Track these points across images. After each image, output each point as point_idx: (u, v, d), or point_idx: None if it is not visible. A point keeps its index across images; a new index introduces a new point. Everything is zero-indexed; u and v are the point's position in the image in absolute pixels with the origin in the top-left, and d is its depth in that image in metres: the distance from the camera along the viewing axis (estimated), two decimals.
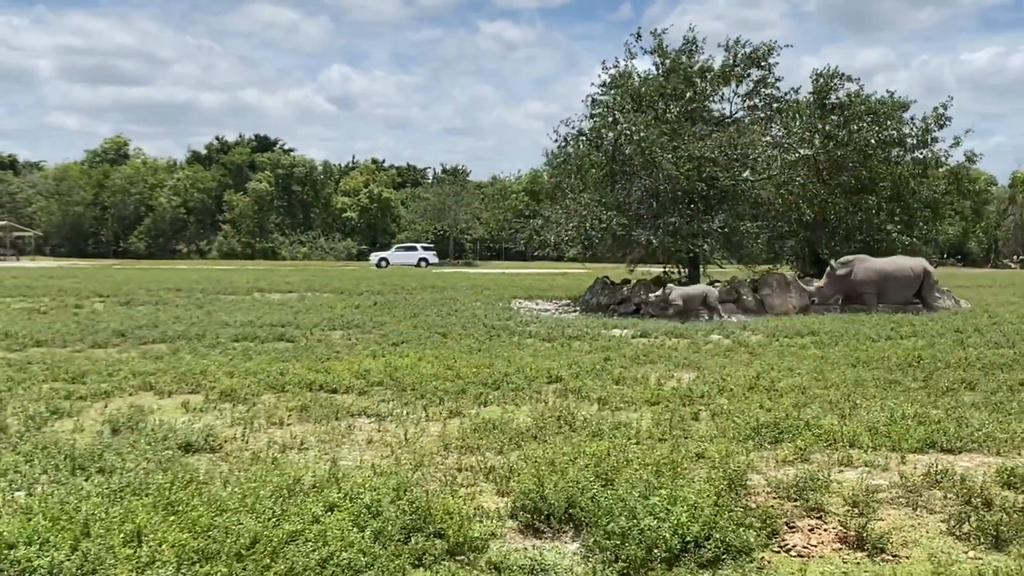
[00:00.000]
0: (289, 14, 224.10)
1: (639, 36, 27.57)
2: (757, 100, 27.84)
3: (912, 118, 28.47)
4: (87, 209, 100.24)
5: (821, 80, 28.84)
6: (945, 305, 27.28)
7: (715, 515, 6.08)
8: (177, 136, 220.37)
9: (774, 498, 6.89)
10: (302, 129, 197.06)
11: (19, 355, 14.14)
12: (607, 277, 28.45)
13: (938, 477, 7.29)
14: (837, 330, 18.63)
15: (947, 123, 28.18)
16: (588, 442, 7.93)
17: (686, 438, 8.51)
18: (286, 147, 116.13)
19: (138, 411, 9.36)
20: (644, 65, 28.33)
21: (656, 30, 27.79)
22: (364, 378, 11.64)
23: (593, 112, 27.02)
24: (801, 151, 29.39)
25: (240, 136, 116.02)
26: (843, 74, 28.55)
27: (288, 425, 9.03)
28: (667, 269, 28.60)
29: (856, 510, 6.65)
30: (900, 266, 24.71)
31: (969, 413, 9.93)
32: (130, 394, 10.76)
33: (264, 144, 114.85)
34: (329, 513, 5.87)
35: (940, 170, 28.67)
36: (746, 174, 25.65)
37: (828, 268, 25.19)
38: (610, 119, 26.15)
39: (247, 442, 8.15)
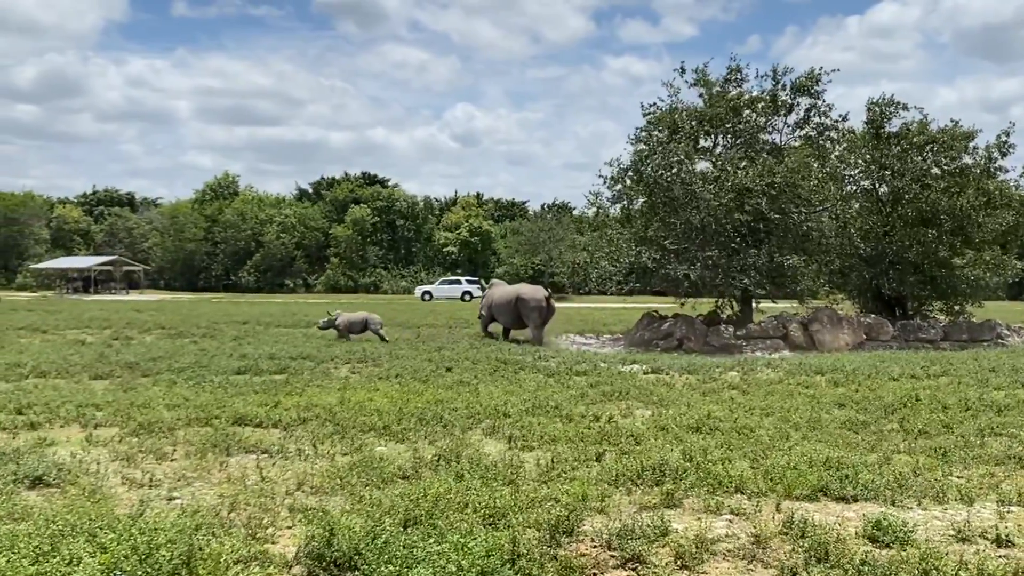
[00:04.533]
0: (419, 54, 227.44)
1: (683, 71, 26.97)
2: (809, 129, 26.88)
3: (975, 147, 27.14)
4: (199, 244, 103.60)
5: (876, 109, 27.82)
6: (1014, 342, 25.97)
7: (495, 565, 5.71)
8: (305, 174, 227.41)
9: (594, 546, 6.46)
10: (425, 167, 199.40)
11: (5, 385, 14.43)
12: (656, 311, 27.83)
13: (791, 527, 6.74)
14: (863, 368, 17.76)
15: (1011, 150, 26.78)
16: (438, 483, 7.57)
17: (570, 479, 8.09)
18: (390, 183, 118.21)
19: (38, 443, 9.38)
20: (691, 98, 27.63)
21: (698, 65, 27.18)
22: (305, 413, 11.49)
23: (636, 148, 26.51)
24: (862, 183, 28.40)
25: (347, 174, 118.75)
26: (899, 103, 27.53)
27: (172, 460, 8.90)
28: (719, 304, 27.80)
29: (680, 562, 6.18)
30: (504, 293, 25.86)
31: (901, 458, 9.25)
32: (61, 426, 10.80)
33: (370, 180, 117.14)
34: (95, 555, 5.69)
35: (1009, 202, 27.17)
36: (800, 207, 24.86)
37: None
38: (650, 152, 25.65)
39: (97, 477, 8.01)
